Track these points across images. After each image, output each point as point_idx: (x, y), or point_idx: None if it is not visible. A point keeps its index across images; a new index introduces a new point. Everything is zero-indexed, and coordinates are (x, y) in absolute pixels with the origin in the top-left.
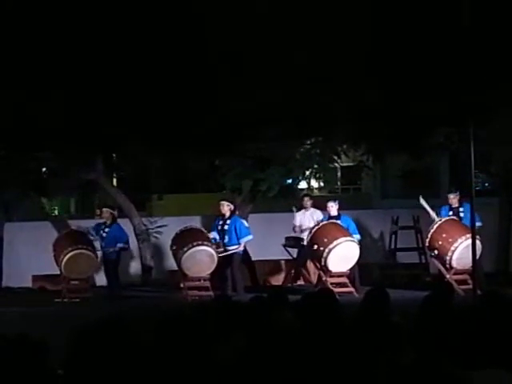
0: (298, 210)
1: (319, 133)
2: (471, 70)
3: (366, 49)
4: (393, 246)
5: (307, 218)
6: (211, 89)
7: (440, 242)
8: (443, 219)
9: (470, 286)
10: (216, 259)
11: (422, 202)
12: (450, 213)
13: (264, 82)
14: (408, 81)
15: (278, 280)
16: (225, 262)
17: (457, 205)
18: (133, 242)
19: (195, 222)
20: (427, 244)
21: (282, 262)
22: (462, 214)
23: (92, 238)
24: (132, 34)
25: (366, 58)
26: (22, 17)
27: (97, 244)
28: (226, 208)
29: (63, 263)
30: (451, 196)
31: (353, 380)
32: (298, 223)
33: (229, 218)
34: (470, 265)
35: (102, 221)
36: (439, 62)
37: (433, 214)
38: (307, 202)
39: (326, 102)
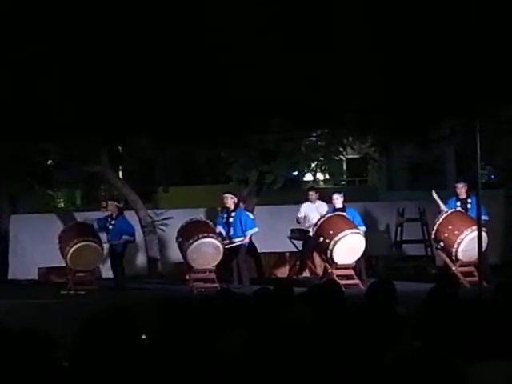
0: (303, 202)
1: (325, 124)
2: (479, 62)
3: (373, 39)
4: (399, 238)
5: (313, 211)
6: (218, 79)
7: (446, 234)
8: (449, 211)
9: (476, 278)
10: (222, 251)
11: (435, 195)
12: (458, 204)
13: (269, 73)
14: (415, 71)
15: (283, 272)
16: (231, 254)
17: (464, 196)
18: (139, 235)
19: (201, 214)
20: (433, 236)
21: (288, 254)
22: (469, 206)
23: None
24: (138, 24)
25: (372, 48)
26: (27, 8)
27: (103, 236)
28: (230, 201)
29: (69, 255)
30: (460, 185)
31: (358, 371)
32: (302, 215)
33: (233, 210)
34: (476, 257)
35: (107, 213)
36: (447, 53)
37: (444, 208)
38: (312, 195)
39: (331, 93)
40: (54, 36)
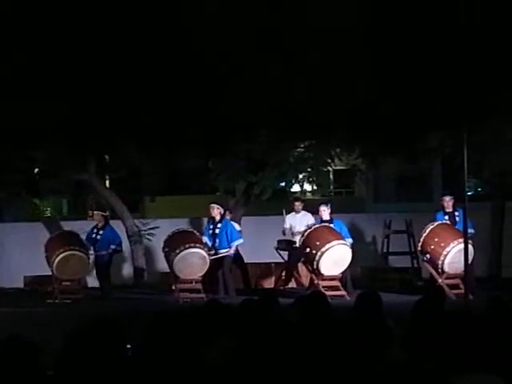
0: (289, 212)
1: (313, 136)
2: (467, 75)
3: (361, 50)
4: (385, 250)
5: (298, 221)
6: (206, 89)
7: (432, 246)
8: (435, 223)
9: (462, 291)
10: (208, 261)
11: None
12: (446, 217)
13: (259, 84)
14: (403, 84)
15: (269, 283)
16: (216, 265)
17: (451, 209)
18: (125, 244)
19: (187, 223)
20: (419, 248)
21: (273, 264)
22: (457, 219)
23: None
24: (125, 34)
25: (360, 61)
26: (15, 16)
27: (90, 247)
28: (216, 211)
29: (55, 264)
30: (446, 199)
31: (343, 382)
32: (287, 226)
33: (219, 221)
34: (462, 269)
35: (93, 223)
36: (435, 66)
37: None
38: (298, 206)
39: (320, 105)
40: (44, 46)
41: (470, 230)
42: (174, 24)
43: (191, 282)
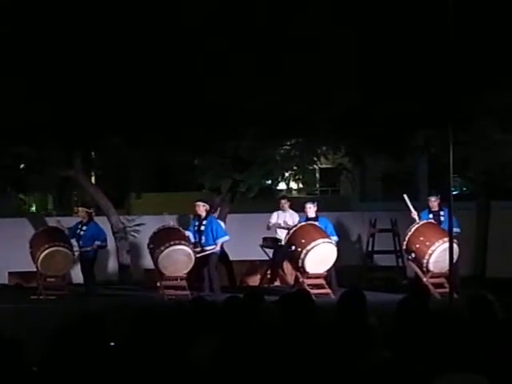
0: (275, 210)
1: (300, 134)
2: (453, 75)
3: (348, 50)
4: (370, 249)
5: (284, 219)
6: (193, 87)
7: (417, 245)
8: (421, 222)
9: (447, 290)
10: (193, 259)
11: (406, 198)
12: (430, 216)
13: (246, 82)
14: (389, 82)
15: (255, 280)
16: (202, 262)
17: (437, 208)
18: (110, 241)
19: (173, 220)
20: (404, 247)
21: (258, 262)
22: (442, 218)
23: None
24: (113, 30)
25: (347, 60)
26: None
27: (74, 243)
28: (202, 208)
29: (40, 260)
30: (432, 199)
31: (328, 380)
32: (273, 221)
33: (205, 218)
34: (447, 268)
35: (78, 220)
36: (422, 65)
37: (414, 212)
38: (284, 204)
39: (306, 103)
40: (29, 42)
41: (456, 229)
42: (163, 22)
43: (176, 279)
